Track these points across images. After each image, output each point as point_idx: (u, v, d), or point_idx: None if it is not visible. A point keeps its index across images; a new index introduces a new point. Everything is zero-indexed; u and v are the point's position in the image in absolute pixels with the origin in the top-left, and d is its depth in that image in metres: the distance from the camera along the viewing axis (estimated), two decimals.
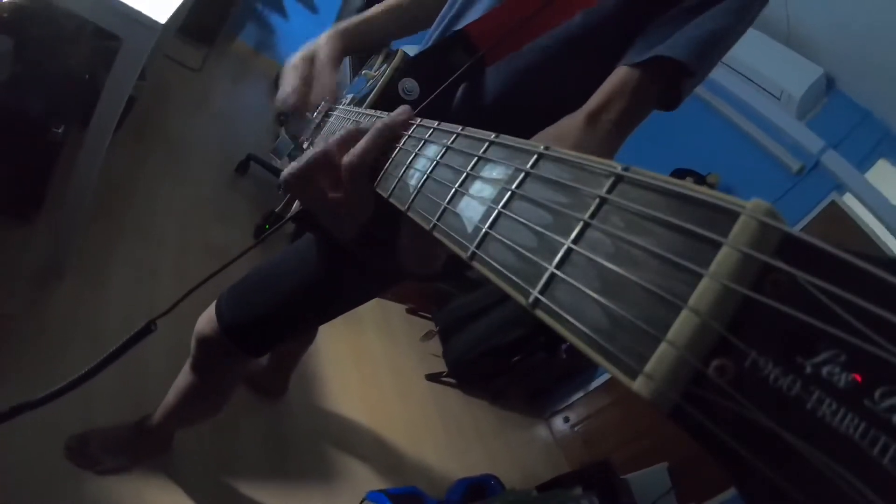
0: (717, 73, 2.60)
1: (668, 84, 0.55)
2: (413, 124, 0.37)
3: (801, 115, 2.44)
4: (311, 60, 0.74)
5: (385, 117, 0.38)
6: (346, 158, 0.37)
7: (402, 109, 0.39)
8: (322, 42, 0.75)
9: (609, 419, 2.50)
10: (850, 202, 2.30)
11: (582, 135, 0.52)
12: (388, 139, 0.37)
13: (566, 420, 2.65)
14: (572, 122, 0.54)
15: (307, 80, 0.72)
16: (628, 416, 2.41)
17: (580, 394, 2.64)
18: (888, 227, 2.16)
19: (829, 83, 2.39)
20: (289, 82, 0.72)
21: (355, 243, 0.43)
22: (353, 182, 0.37)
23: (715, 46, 0.54)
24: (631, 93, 0.53)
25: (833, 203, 2.31)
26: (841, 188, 2.32)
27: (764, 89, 2.49)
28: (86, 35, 1.42)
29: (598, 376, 2.60)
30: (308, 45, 0.77)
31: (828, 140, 2.36)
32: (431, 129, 0.33)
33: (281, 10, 3.47)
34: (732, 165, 2.55)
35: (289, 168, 0.39)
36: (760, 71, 2.47)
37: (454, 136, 0.30)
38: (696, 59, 0.52)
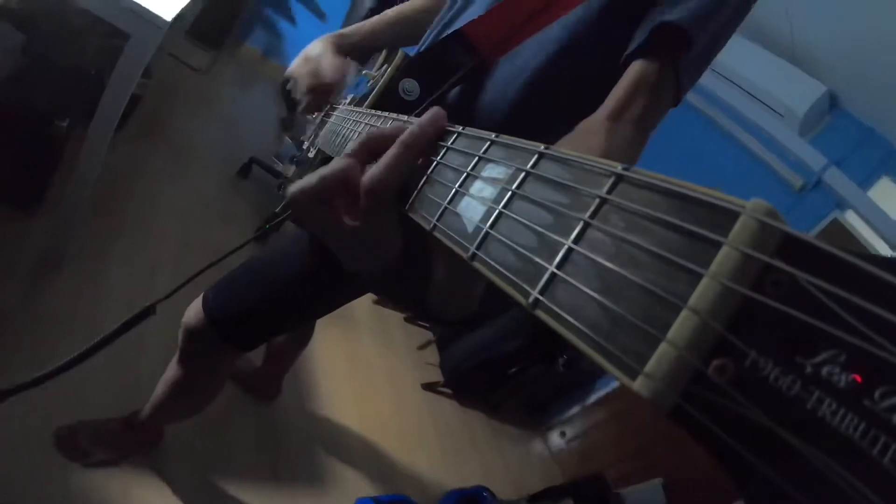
0: (720, 90, 2.62)
1: (671, 57, 0.52)
2: (455, 133, 0.30)
3: (804, 133, 2.45)
4: (315, 60, 0.77)
5: (413, 125, 0.31)
6: (366, 181, 0.29)
7: (434, 114, 0.31)
8: (319, 48, 0.78)
9: (606, 435, 2.47)
10: (852, 220, 2.30)
11: (607, 137, 0.49)
12: (419, 153, 0.30)
13: (562, 434, 2.62)
14: (592, 125, 0.51)
15: (315, 73, 0.76)
16: (625, 432, 2.38)
17: (577, 408, 2.62)
18: (891, 245, 2.16)
19: (832, 100, 2.40)
20: (298, 70, 0.77)
21: (374, 279, 0.36)
22: (373, 211, 0.30)
23: (711, 16, 0.52)
24: (651, 86, 0.51)
25: (835, 221, 2.31)
26: (843, 206, 2.33)
27: (767, 106, 2.50)
28: (93, 31, 1.44)
29: (596, 391, 2.57)
30: (304, 53, 0.80)
31: (830, 157, 2.37)
32: None
33: (289, 17, 3.51)
34: (734, 182, 2.55)
35: (299, 183, 0.32)
36: (763, 87, 2.48)
37: (455, 135, 0.30)
38: (693, 23, 0.50)
